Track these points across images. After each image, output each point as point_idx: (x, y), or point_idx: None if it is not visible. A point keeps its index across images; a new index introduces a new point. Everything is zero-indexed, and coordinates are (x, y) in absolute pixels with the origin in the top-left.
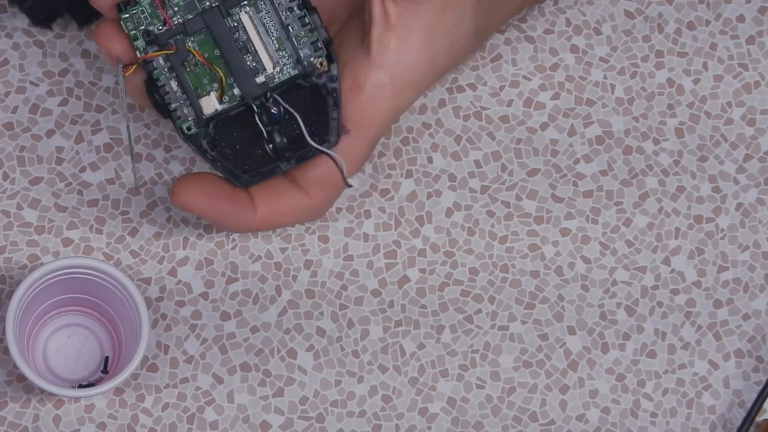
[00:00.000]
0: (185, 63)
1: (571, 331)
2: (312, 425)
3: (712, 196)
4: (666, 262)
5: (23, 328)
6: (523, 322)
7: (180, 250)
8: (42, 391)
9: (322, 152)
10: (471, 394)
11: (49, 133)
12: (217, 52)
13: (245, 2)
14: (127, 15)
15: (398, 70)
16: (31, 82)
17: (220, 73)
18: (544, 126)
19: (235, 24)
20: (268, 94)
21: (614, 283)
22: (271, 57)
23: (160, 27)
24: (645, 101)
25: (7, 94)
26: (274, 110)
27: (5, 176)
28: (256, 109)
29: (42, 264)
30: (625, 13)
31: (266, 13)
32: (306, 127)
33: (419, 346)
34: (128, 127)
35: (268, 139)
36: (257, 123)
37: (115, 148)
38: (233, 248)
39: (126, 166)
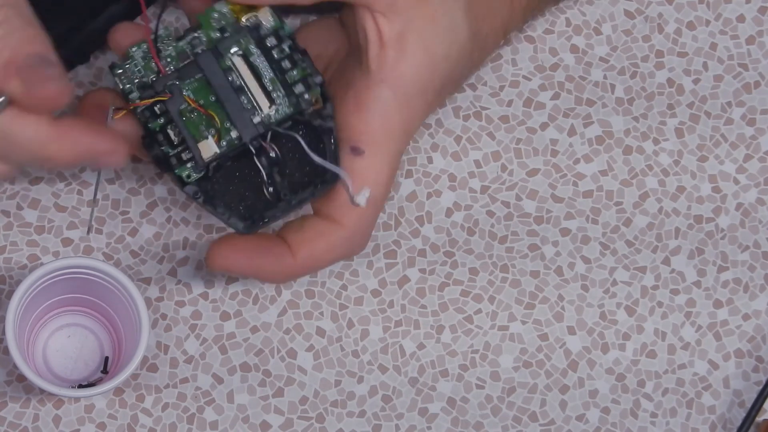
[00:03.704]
0: (181, 111)
1: (571, 331)
2: (312, 425)
3: (712, 196)
4: (666, 262)
5: (23, 328)
6: (523, 322)
7: (180, 250)
8: (42, 391)
9: (321, 164)
10: (471, 394)
11: None
12: (212, 98)
13: (236, 46)
14: (120, 70)
15: (400, 83)
16: None
17: (216, 118)
18: (544, 126)
19: (229, 66)
20: (268, 134)
21: (614, 283)
22: (266, 96)
23: (153, 78)
24: (645, 101)
25: None
26: (272, 153)
27: None
28: (253, 150)
29: (42, 264)
30: (625, 13)
31: (258, 55)
32: (306, 158)
33: (419, 346)
34: (98, 176)
35: (268, 181)
36: (256, 166)
37: None
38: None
39: (126, 167)
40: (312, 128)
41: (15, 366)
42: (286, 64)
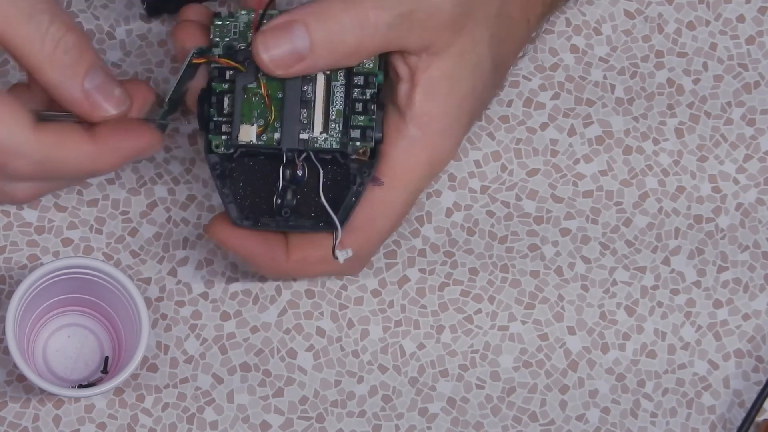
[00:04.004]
0: (245, 88)
1: (571, 331)
2: (312, 425)
3: (712, 196)
4: (666, 262)
5: (23, 328)
6: (523, 322)
7: (180, 250)
8: (42, 391)
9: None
10: (471, 394)
11: None
12: (279, 94)
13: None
14: (220, 22)
15: (427, 121)
16: None
17: (273, 113)
18: (544, 126)
19: (310, 79)
20: (302, 154)
21: (614, 283)
22: (323, 123)
23: (242, 46)
24: (645, 101)
25: None
26: (299, 171)
27: None
28: (284, 160)
29: (42, 264)
30: (625, 13)
31: (340, 85)
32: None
33: (419, 346)
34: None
35: (280, 194)
36: (279, 175)
37: None
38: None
39: (126, 167)
40: (347, 174)
41: (15, 366)
42: (359, 107)
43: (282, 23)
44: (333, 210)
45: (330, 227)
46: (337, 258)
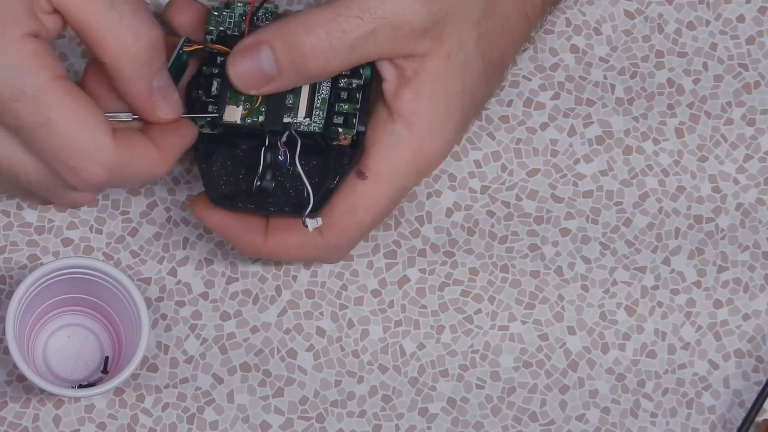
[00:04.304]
0: None
1: (571, 331)
2: (312, 425)
3: (712, 196)
4: (666, 262)
5: (23, 328)
6: (523, 322)
7: (180, 250)
8: (42, 391)
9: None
10: (471, 394)
11: None
12: None
13: None
14: (216, 13)
15: (414, 121)
16: None
17: (259, 98)
18: (544, 126)
19: None
20: (284, 134)
21: (614, 283)
22: (307, 108)
23: (235, 34)
24: (645, 101)
25: None
26: (281, 156)
27: None
28: (266, 143)
29: (42, 264)
30: (625, 13)
31: None
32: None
33: (419, 346)
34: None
35: (260, 175)
36: (260, 157)
37: None
38: (233, 248)
39: None
40: (327, 160)
41: (15, 366)
42: (344, 95)
43: (249, 45)
44: (312, 194)
45: (301, 213)
46: (306, 226)
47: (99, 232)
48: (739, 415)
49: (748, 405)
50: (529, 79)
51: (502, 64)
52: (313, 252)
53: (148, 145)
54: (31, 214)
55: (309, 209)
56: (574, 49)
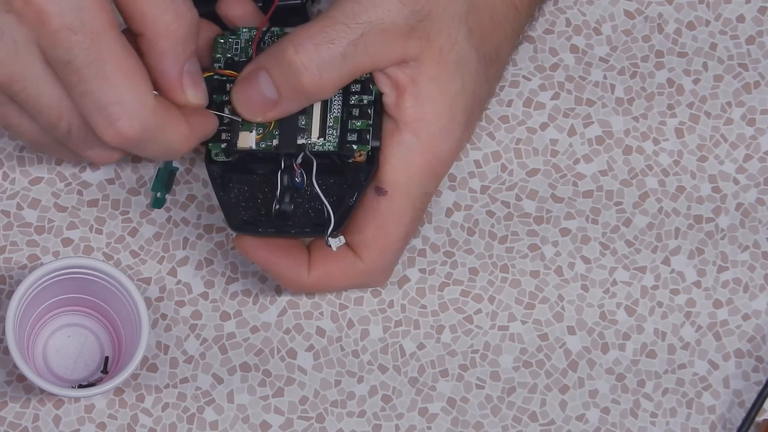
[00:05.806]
0: None
1: (571, 331)
2: (312, 425)
3: (712, 196)
4: (666, 262)
5: (23, 328)
6: (523, 322)
7: (180, 250)
8: (42, 391)
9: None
10: (471, 394)
11: None
12: None
13: None
14: (222, 40)
15: (421, 126)
16: None
17: (272, 122)
18: (544, 126)
19: None
20: (299, 156)
21: (614, 283)
22: (321, 129)
23: (243, 59)
24: (645, 101)
25: None
26: (297, 178)
27: (5, 176)
28: (282, 166)
29: (42, 264)
30: (625, 13)
31: (338, 94)
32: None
33: (419, 346)
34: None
35: (278, 199)
36: (277, 181)
37: None
38: (233, 248)
39: (126, 167)
40: (344, 178)
41: (15, 366)
42: (356, 112)
43: (248, 74)
44: (333, 213)
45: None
46: (330, 246)
47: (99, 232)
48: (739, 415)
49: (748, 405)
50: (529, 79)
51: (499, 58)
52: (357, 278)
53: (182, 118)
54: (31, 214)
55: (331, 228)
56: (574, 49)
